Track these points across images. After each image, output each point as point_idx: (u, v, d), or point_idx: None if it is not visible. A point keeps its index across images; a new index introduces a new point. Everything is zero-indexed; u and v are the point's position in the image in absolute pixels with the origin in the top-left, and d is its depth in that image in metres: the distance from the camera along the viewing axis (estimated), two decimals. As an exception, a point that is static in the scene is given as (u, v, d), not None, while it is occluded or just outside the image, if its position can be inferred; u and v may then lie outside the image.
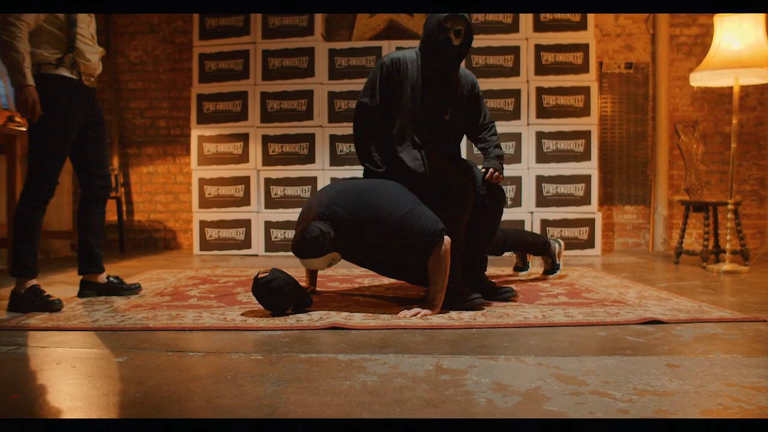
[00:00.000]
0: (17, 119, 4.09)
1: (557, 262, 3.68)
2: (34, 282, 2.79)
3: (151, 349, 2.08)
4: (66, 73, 2.87)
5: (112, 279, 3.15)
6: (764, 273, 4.03)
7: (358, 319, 2.53)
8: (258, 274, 2.61)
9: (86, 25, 2.99)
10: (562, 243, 3.72)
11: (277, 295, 2.57)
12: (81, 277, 3.13)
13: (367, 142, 2.93)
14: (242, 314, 2.64)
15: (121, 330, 2.37)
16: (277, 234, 5.18)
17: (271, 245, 5.20)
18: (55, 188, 2.95)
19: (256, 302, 2.72)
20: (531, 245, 3.61)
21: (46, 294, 2.75)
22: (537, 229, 5.10)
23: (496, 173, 2.96)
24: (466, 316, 2.58)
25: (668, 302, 2.90)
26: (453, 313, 2.63)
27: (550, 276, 3.68)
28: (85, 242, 3.11)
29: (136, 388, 1.67)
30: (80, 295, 3.10)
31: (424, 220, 2.58)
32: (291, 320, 2.51)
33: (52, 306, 2.71)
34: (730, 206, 4.12)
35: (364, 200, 2.68)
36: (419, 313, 2.57)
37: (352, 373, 1.81)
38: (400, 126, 2.89)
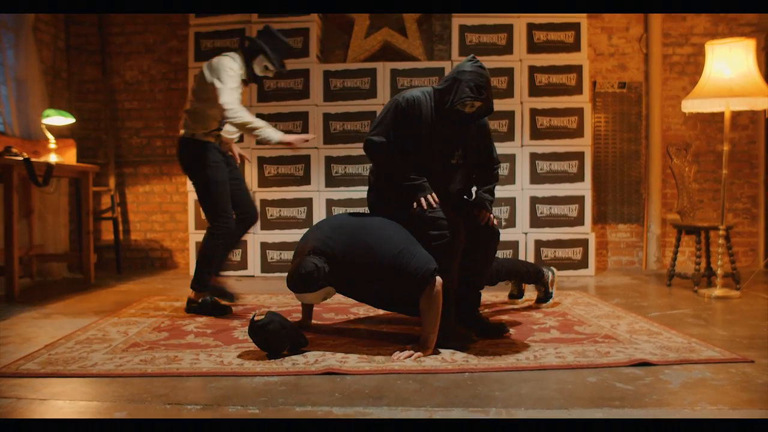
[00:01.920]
0: (14, 150, 4.12)
1: (550, 290, 3.73)
2: (207, 295, 3.60)
3: (149, 401, 2.11)
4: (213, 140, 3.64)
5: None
6: (755, 298, 4.08)
7: (353, 362, 2.57)
8: (254, 317, 2.64)
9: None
10: (554, 271, 3.76)
11: (273, 338, 2.61)
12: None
13: (396, 166, 2.89)
14: (239, 356, 2.67)
15: (119, 376, 2.40)
16: (273, 255, 5.22)
17: (267, 266, 5.23)
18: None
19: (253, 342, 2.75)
20: (525, 274, 3.66)
21: (218, 302, 3.61)
22: (531, 250, 5.14)
23: (488, 215, 3.02)
24: (458, 358, 2.62)
25: (659, 338, 2.94)
26: (446, 354, 2.67)
27: (543, 304, 3.73)
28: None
29: (134, 453, 1.71)
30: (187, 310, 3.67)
31: (417, 260, 2.63)
32: (287, 363, 2.55)
33: (224, 311, 3.54)
34: (721, 231, 4.17)
35: (359, 238, 2.73)
36: (413, 355, 2.61)
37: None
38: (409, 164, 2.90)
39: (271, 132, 3.43)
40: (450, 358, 2.61)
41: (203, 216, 5.08)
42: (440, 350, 2.72)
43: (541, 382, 2.31)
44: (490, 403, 2.07)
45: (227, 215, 3.64)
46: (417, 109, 2.87)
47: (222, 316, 3.50)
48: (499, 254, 5.05)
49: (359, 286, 2.90)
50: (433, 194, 2.86)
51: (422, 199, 2.82)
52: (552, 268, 3.77)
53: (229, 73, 3.41)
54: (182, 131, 3.59)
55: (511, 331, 3.06)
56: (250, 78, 3.62)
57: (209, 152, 3.56)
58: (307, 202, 5.23)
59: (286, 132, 5.20)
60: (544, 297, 3.73)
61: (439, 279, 2.64)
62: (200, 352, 2.73)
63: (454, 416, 1.95)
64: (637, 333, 3.04)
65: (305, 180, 5.24)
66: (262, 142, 3.51)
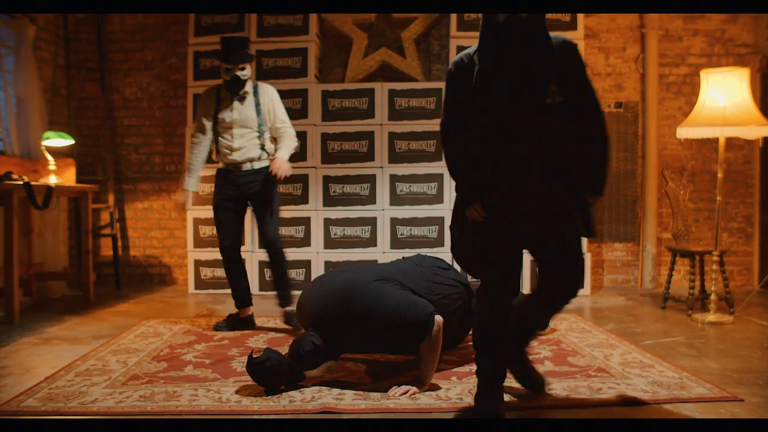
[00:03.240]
0: (14, 176, 4.15)
1: (546, 319, 3.75)
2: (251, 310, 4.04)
3: (148, 446, 2.15)
4: (220, 166, 4.08)
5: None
6: (748, 323, 4.12)
7: (348, 399, 2.61)
8: (252, 354, 2.68)
9: (228, 128, 3.92)
10: None
11: (270, 374, 2.65)
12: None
13: (457, 159, 2.44)
14: (237, 391, 2.71)
15: (119, 415, 2.44)
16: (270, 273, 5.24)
17: (264, 284, 5.26)
18: (225, 245, 4.00)
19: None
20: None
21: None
22: (526, 268, 5.18)
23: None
24: (452, 395, 2.66)
25: (651, 371, 2.99)
26: (441, 391, 2.71)
27: (541, 332, 3.75)
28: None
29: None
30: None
31: (414, 309, 2.67)
32: (284, 401, 2.59)
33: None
34: (715, 257, 4.22)
35: (350, 303, 2.76)
36: (408, 391, 2.65)
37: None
38: (480, 129, 2.35)
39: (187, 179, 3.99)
40: (444, 396, 2.65)
41: (201, 235, 5.15)
42: (435, 386, 2.76)
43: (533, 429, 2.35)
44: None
45: (220, 238, 3.98)
46: (466, 58, 2.37)
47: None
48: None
49: (359, 346, 2.96)
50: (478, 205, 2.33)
51: (471, 211, 2.36)
52: None
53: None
54: None
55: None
56: (227, 87, 3.82)
57: (216, 177, 4.05)
58: (305, 221, 5.26)
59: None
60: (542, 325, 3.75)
61: (439, 318, 2.68)
62: (199, 387, 2.77)
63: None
64: (629, 365, 3.09)
65: (303, 199, 5.28)
66: None
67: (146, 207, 5.87)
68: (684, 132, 4.22)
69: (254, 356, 2.67)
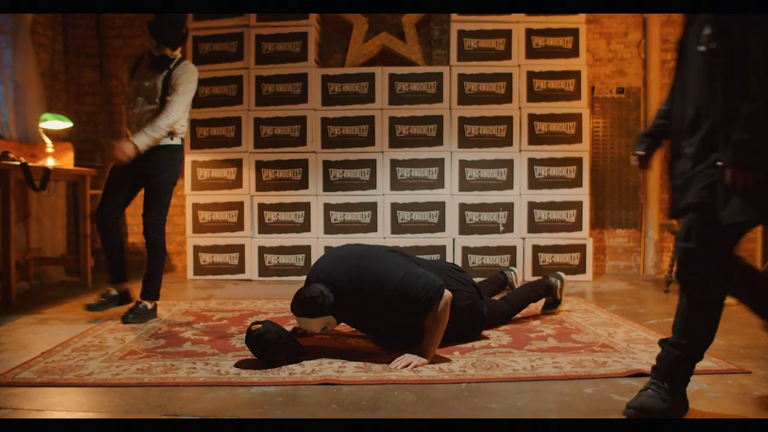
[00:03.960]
0: (11, 155, 4.11)
1: (558, 297, 3.71)
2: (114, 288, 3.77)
3: (146, 412, 2.11)
4: None
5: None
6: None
7: (349, 371, 2.57)
8: (251, 326, 2.64)
9: (135, 95, 3.65)
10: (563, 277, 3.73)
11: (270, 347, 2.61)
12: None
13: None
14: (236, 365, 2.67)
15: (116, 386, 2.39)
16: (271, 259, 5.21)
17: (264, 270, 5.22)
18: (101, 220, 3.67)
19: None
20: (535, 298, 3.61)
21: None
22: (528, 255, 5.14)
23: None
24: (455, 368, 2.61)
25: (655, 347, 2.92)
26: (443, 364, 2.67)
27: (553, 309, 3.72)
28: None
29: (130, 467, 1.71)
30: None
31: (423, 279, 2.64)
32: (284, 373, 2.55)
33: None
34: (718, 239, 4.16)
35: (363, 265, 2.75)
36: (410, 364, 2.61)
37: (343, 445, 1.84)
38: None
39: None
40: (447, 368, 2.60)
41: (200, 221, 5.08)
42: (438, 359, 2.72)
43: (538, 393, 2.31)
44: (488, 417, 2.07)
45: (98, 203, 3.70)
46: None
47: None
48: (495, 259, 5.06)
49: (364, 317, 2.89)
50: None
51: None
52: (560, 274, 3.75)
53: None
54: None
55: None
56: (152, 62, 3.59)
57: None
58: (305, 206, 5.22)
59: (284, 136, 5.24)
60: (552, 303, 3.73)
61: (447, 293, 2.65)
62: (197, 361, 2.72)
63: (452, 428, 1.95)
64: (634, 342, 3.05)
65: (303, 184, 5.23)
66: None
67: (145, 194, 5.82)
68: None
69: (253, 329, 2.63)
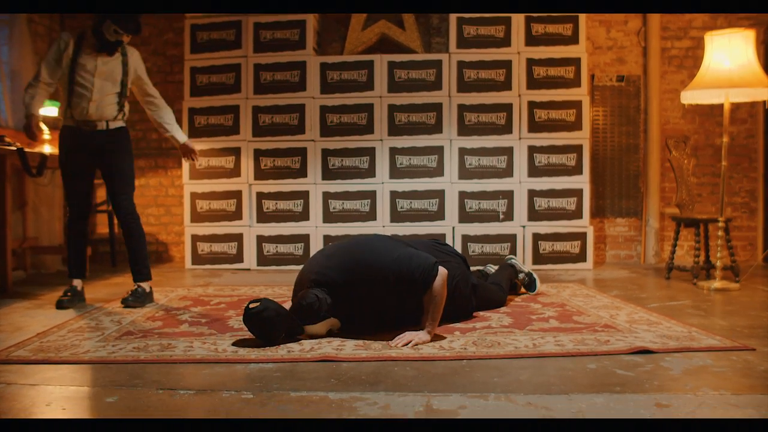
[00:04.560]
0: (8, 139, 4.07)
1: (525, 270, 3.81)
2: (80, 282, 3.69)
3: (141, 387, 2.08)
4: (66, 122, 3.61)
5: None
6: (754, 290, 4.05)
7: (349, 348, 2.53)
8: (249, 305, 2.60)
9: (90, 75, 3.54)
10: (514, 258, 3.88)
11: (268, 325, 2.57)
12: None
13: None
14: (233, 343, 2.63)
15: (111, 363, 2.36)
16: (269, 248, 5.18)
17: (263, 259, 5.19)
18: (77, 211, 3.66)
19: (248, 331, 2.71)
20: (507, 280, 3.67)
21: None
22: (529, 243, 5.11)
23: None
24: (456, 345, 2.58)
25: (658, 327, 2.91)
26: (444, 342, 2.64)
27: (536, 287, 3.80)
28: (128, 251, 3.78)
29: (125, 436, 1.67)
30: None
31: (416, 259, 2.62)
32: (282, 351, 2.51)
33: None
34: (720, 224, 4.14)
35: (353, 258, 2.71)
36: (411, 341, 2.58)
37: (341, 415, 1.81)
38: None
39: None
40: (448, 346, 2.57)
41: (198, 210, 5.06)
42: (438, 338, 2.68)
43: (540, 369, 2.28)
44: (489, 389, 2.04)
45: (70, 205, 3.69)
46: None
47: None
48: (495, 248, 5.03)
49: (366, 309, 2.82)
50: None
51: None
52: (511, 258, 3.88)
53: (47, 52, 3.61)
54: None
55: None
56: (101, 45, 3.52)
57: (61, 137, 3.63)
58: (304, 195, 5.18)
59: (282, 125, 5.20)
60: (528, 281, 3.79)
61: (443, 270, 2.63)
62: (194, 340, 2.69)
63: (452, 402, 1.91)
64: (636, 323, 3.01)
65: (301, 173, 5.20)
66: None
67: (142, 184, 5.79)
68: (689, 96, 4.15)
69: (251, 307, 2.59)
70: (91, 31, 3.53)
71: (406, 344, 2.56)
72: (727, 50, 3.98)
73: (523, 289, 3.87)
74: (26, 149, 4.15)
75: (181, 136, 3.91)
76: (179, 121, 5.50)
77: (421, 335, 2.62)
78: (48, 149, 4.56)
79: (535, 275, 3.82)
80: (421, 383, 2.11)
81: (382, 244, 2.78)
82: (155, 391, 2.04)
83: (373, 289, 2.68)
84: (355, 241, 2.87)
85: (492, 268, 3.83)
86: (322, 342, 2.65)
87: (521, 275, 3.79)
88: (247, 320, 2.59)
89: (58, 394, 2.02)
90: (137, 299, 3.53)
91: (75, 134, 3.58)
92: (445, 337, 2.70)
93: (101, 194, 5.70)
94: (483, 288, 3.28)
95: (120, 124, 3.69)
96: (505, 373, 2.22)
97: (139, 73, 3.73)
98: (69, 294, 3.56)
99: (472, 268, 3.60)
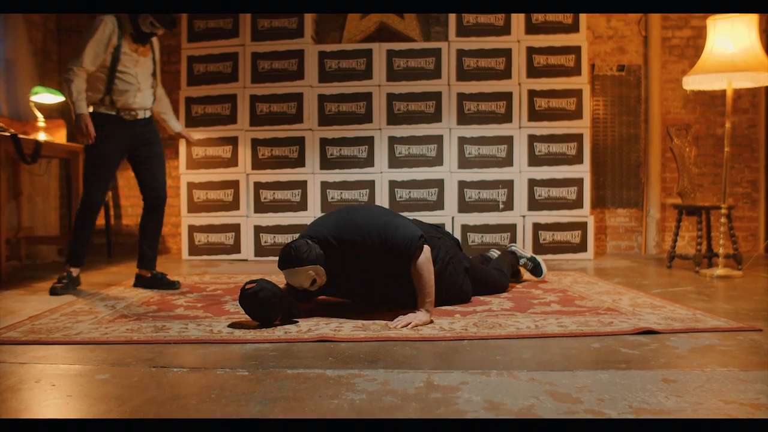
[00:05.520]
0: (1, 124, 4.02)
1: (527, 255, 3.76)
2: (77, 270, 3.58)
3: (134, 365, 2.02)
4: (103, 110, 3.48)
5: (157, 273, 3.67)
6: (757, 277, 4.00)
7: (347, 330, 2.48)
8: (245, 285, 2.55)
9: (132, 65, 3.50)
10: (515, 245, 3.87)
11: (264, 305, 2.52)
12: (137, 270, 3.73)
13: None
14: (229, 325, 2.58)
15: (104, 343, 2.31)
16: (267, 238, 5.12)
17: (260, 250, 5.13)
18: (99, 200, 3.56)
19: (244, 313, 2.66)
20: (509, 265, 3.64)
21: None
22: (529, 233, 5.06)
23: None
24: (457, 327, 2.53)
25: (662, 310, 2.86)
26: (444, 323, 2.58)
27: (542, 271, 3.72)
28: (139, 244, 3.73)
29: (117, 410, 1.62)
30: (135, 285, 3.69)
31: (402, 229, 2.62)
32: (279, 332, 2.46)
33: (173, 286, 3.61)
34: (723, 210, 4.09)
35: (345, 218, 2.75)
36: (410, 323, 2.53)
37: (340, 390, 1.75)
38: None
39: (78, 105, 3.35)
40: (449, 327, 2.52)
41: (195, 200, 5.02)
42: (438, 321, 2.63)
43: (543, 348, 2.23)
44: (491, 366, 1.99)
45: (94, 193, 3.54)
46: None
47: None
48: (495, 238, 4.98)
49: (352, 274, 2.83)
50: None
51: None
52: (512, 245, 3.87)
53: (91, 35, 3.36)
54: None
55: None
56: (137, 36, 3.47)
57: (100, 124, 3.45)
58: (302, 185, 5.13)
59: (280, 114, 5.15)
60: (532, 266, 3.74)
61: (426, 247, 2.63)
62: (189, 323, 2.64)
63: (453, 378, 1.86)
64: (639, 306, 2.96)
65: (300, 162, 5.15)
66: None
67: (139, 175, 5.73)
68: (691, 81, 4.10)
69: (247, 287, 2.54)
70: (128, 19, 3.44)
71: (406, 325, 2.51)
72: (730, 34, 3.93)
73: (526, 276, 3.82)
74: (20, 136, 4.10)
75: (177, 125, 3.99)
76: (176, 111, 5.46)
77: (420, 315, 2.57)
78: (43, 137, 4.51)
79: (539, 259, 3.73)
80: (421, 361, 2.06)
81: (377, 210, 2.82)
82: (148, 368, 1.98)
83: (361, 252, 2.67)
84: (353, 207, 2.92)
85: (495, 253, 3.77)
86: (319, 323, 2.60)
87: (522, 260, 3.73)
88: (243, 301, 2.54)
89: (49, 372, 1.97)
90: (168, 287, 3.61)
91: (114, 122, 3.51)
92: (445, 320, 2.65)
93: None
94: (481, 271, 3.24)
95: (150, 114, 3.71)
96: (507, 352, 2.17)
97: (158, 62, 3.75)
98: (64, 281, 3.49)
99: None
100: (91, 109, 3.46)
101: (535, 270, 3.71)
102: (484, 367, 1.97)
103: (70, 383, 1.85)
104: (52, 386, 1.82)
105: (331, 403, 1.65)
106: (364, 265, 2.73)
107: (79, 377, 1.91)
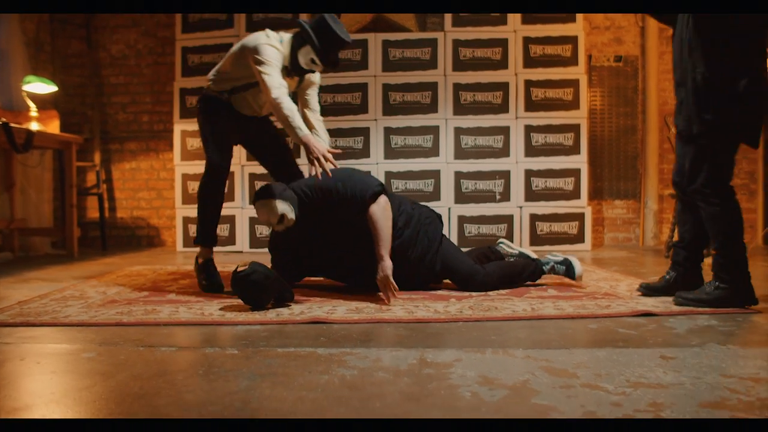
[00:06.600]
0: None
1: (515, 251, 3.28)
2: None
3: (121, 344, 1.98)
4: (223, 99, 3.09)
5: None
6: (755, 266, 3.96)
7: (341, 312, 2.44)
8: (237, 268, 2.51)
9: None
10: (503, 242, 3.39)
11: (256, 288, 2.48)
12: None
13: None
14: (221, 309, 2.54)
15: (92, 325, 2.26)
16: (262, 230, 5.08)
17: (255, 241, 5.09)
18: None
19: (237, 298, 2.62)
20: (520, 275, 3.28)
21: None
22: (526, 224, 5.02)
23: None
24: (452, 309, 2.49)
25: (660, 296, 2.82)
26: (439, 306, 2.55)
27: (576, 271, 3.11)
28: None
29: (100, 385, 1.58)
30: None
31: (365, 180, 2.78)
32: (271, 314, 2.42)
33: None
34: (721, 199, 4.05)
35: (321, 178, 2.74)
36: (388, 283, 2.61)
37: (331, 367, 1.72)
38: None
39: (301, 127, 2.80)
40: (443, 310, 2.48)
41: (190, 191, 4.95)
42: (433, 304, 2.59)
43: (539, 329, 2.19)
44: (486, 345, 1.95)
45: (222, 156, 3.16)
46: None
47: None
48: (491, 229, 4.94)
49: (323, 231, 2.92)
50: None
51: None
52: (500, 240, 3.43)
53: (268, 57, 2.79)
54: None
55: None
56: (293, 69, 2.97)
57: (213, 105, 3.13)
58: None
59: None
60: (565, 269, 3.14)
61: (383, 197, 2.74)
62: (180, 306, 2.60)
63: (447, 355, 1.82)
64: (637, 291, 2.92)
65: (295, 154, 5.08)
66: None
67: (134, 167, 5.69)
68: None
69: (239, 270, 2.50)
70: (290, 47, 2.92)
71: (393, 290, 2.62)
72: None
73: (553, 278, 3.35)
74: (12, 124, 4.06)
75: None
76: (171, 102, 5.42)
77: (382, 265, 2.63)
78: (35, 127, 4.47)
79: (572, 259, 3.12)
80: (415, 340, 2.02)
81: (353, 171, 2.90)
82: (136, 347, 1.94)
83: (329, 202, 2.76)
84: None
85: (506, 248, 3.33)
86: (312, 307, 2.56)
87: (561, 267, 3.14)
88: (235, 284, 2.50)
89: (35, 350, 1.93)
90: None
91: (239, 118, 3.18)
92: (440, 304, 2.61)
93: (91, 178, 5.61)
94: (450, 255, 3.01)
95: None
96: (503, 332, 2.13)
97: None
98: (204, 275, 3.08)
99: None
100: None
101: (569, 274, 3.14)
102: (479, 346, 1.94)
103: (56, 361, 1.81)
104: (37, 363, 1.78)
105: (321, 378, 1.61)
106: (334, 222, 2.84)
107: (65, 355, 1.87)
